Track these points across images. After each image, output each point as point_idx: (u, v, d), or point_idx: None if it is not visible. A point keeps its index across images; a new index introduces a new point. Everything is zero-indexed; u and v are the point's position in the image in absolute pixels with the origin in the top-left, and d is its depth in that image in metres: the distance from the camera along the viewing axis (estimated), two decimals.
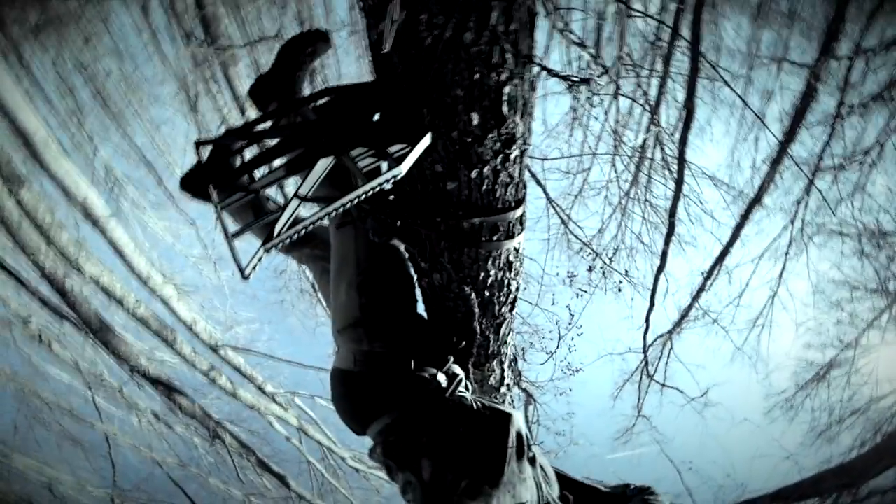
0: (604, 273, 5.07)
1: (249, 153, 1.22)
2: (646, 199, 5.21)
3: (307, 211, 1.02)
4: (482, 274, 1.30)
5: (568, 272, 4.98)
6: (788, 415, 6.24)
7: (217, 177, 1.30)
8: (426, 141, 1.00)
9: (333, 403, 1.40)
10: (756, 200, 5.22)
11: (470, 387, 1.45)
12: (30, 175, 3.78)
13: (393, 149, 1.00)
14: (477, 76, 0.92)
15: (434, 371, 1.31)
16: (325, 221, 1.04)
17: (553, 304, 4.96)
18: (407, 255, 1.41)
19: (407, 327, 1.35)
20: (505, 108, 0.98)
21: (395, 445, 1.22)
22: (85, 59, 4.51)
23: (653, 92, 4.80)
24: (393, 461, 1.22)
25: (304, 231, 1.01)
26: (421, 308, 1.50)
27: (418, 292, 1.47)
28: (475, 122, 0.98)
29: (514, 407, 1.40)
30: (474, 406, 1.28)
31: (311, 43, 1.49)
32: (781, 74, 4.81)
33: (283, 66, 1.48)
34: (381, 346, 1.28)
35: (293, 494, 7.06)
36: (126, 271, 4.71)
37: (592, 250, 4.97)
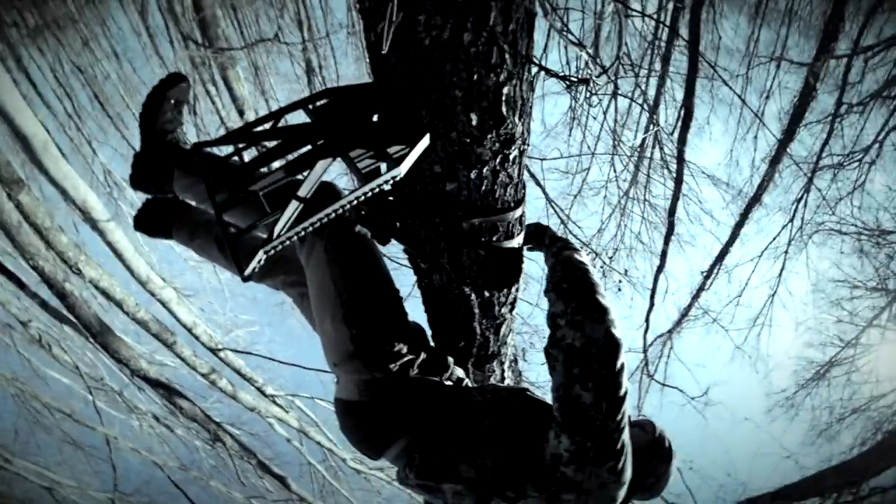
0: (603, 273, 5.06)
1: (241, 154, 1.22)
2: (645, 199, 5.19)
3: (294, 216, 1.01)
4: None
5: None
6: (789, 414, 6.25)
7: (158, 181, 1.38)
8: (425, 142, 1.00)
9: (344, 433, 1.35)
10: (755, 199, 5.23)
11: (471, 385, 1.45)
12: (29, 178, 3.78)
13: (392, 150, 1.00)
14: (475, 77, 0.92)
15: (437, 379, 1.30)
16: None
17: None
18: (386, 262, 1.39)
19: (403, 345, 1.31)
20: (504, 109, 0.97)
21: (426, 464, 1.18)
22: (83, 61, 4.51)
23: (651, 91, 4.81)
24: (430, 480, 1.18)
25: (303, 233, 1.00)
26: (419, 311, 1.49)
27: (418, 293, 1.46)
28: (474, 122, 0.98)
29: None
30: (485, 395, 1.27)
31: (167, 92, 1.38)
32: (780, 73, 4.83)
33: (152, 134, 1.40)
34: (382, 373, 1.26)
35: (294, 496, 7.05)
36: (126, 274, 4.71)
37: (592, 250, 4.96)
